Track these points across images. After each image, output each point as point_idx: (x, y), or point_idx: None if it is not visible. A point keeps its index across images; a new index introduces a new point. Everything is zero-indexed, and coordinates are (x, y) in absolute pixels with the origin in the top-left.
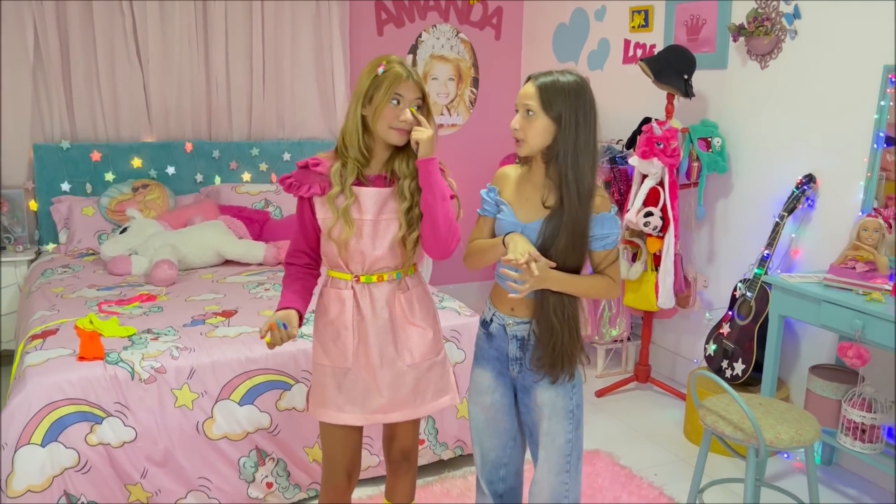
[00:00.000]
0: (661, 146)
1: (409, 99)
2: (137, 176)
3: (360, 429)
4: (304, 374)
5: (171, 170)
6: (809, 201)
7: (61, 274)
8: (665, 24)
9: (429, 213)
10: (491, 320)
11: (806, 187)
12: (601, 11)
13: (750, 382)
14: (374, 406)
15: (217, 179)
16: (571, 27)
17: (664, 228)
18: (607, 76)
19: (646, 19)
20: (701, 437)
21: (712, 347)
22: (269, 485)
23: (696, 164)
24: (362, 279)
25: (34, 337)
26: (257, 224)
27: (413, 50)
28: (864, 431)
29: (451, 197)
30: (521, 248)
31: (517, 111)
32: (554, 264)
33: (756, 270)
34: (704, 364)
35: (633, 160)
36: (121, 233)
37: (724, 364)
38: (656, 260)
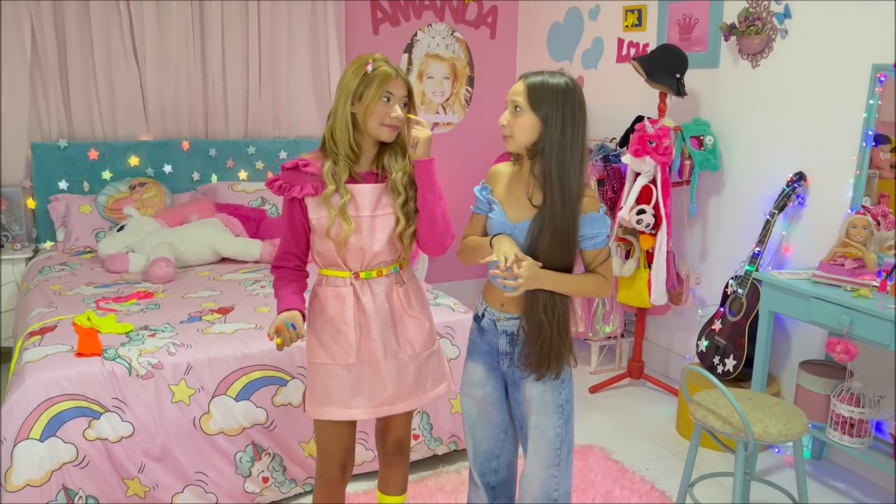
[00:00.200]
0: (654, 144)
1: (398, 96)
2: (134, 174)
3: (354, 423)
4: (300, 371)
5: (167, 168)
6: (800, 199)
7: (59, 271)
8: (658, 23)
9: (427, 212)
10: (483, 315)
11: (796, 185)
12: (595, 11)
13: (741, 378)
14: (380, 399)
15: (214, 178)
16: (566, 26)
17: (657, 226)
18: (601, 75)
19: (639, 18)
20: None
21: (704, 343)
22: (266, 479)
23: (688, 162)
24: (362, 275)
25: (32, 333)
26: (254, 222)
27: (408, 49)
28: (852, 426)
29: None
30: (504, 250)
31: (507, 107)
32: (541, 264)
33: (747, 267)
34: (697, 360)
35: (626, 158)
36: (118, 231)
37: (716, 360)
38: (649, 257)
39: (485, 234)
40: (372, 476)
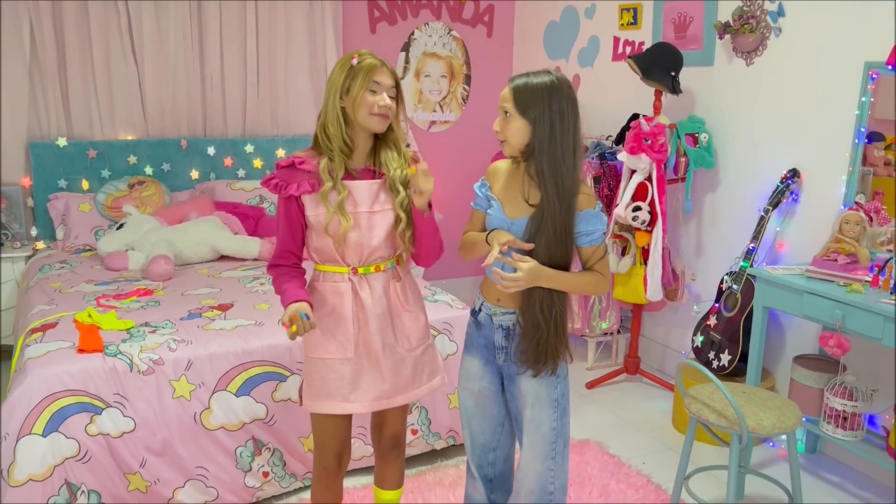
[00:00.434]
0: (649, 142)
1: (385, 85)
2: (133, 173)
3: (350, 416)
4: (300, 366)
5: (166, 167)
6: (794, 195)
7: (59, 269)
8: (653, 21)
9: (424, 242)
10: (479, 309)
11: (790, 181)
12: (591, 9)
13: (736, 373)
14: (378, 392)
15: (212, 176)
16: (562, 25)
17: (652, 223)
18: (597, 73)
19: (634, 17)
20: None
21: (700, 339)
22: (266, 474)
23: (683, 159)
24: (360, 270)
25: (34, 330)
26: (252, 220)
27: (406, 47)
28: (845, 419)
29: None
30: (500, 240)
31: (499, 113)
32: (533, 262)
33: (742, 263)
34: (692, 355)
35: (622, 156)
36: (117, 229)
37: (712, 355)
38: (645, 254)
39: (484, 230)
40: (370, 471)
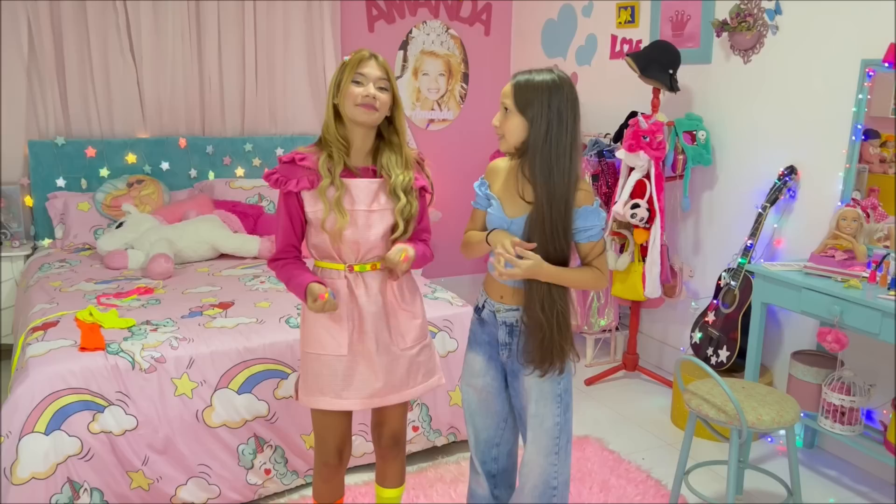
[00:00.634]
0: (648, 139)
1: (371, 77)
2: (132, 171)
3: (349, 412)
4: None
5: (165, 165)
6: (791, 192)
7: (58, 268)
8: (651, 19)
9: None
10: (483, 306)
11: (787, 178)
12: (588, 7)
13: (735, 369)
14: (371, 391)
15: (211, 175)
16: (559, 23)
17: (650, 220)
18: (595, 71)
19: (632, 15)
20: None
21: (698, 335)
22: (268, 471)
23: (681, 156)
24: (356, 268)
25: (35, 329)
26: (251, 218)
27: (404, 46)
28: (843, 414)
29: (424, 188)
30: (503, 242)
31: (500, 108)
32: (537, 256)
33: (740, 260)
34: (690, 352)
35: (620, 153)
36: (117, 227)
37: (710, 351)
38: (643, 251)
39: (484, 227)
40: (371, 468)
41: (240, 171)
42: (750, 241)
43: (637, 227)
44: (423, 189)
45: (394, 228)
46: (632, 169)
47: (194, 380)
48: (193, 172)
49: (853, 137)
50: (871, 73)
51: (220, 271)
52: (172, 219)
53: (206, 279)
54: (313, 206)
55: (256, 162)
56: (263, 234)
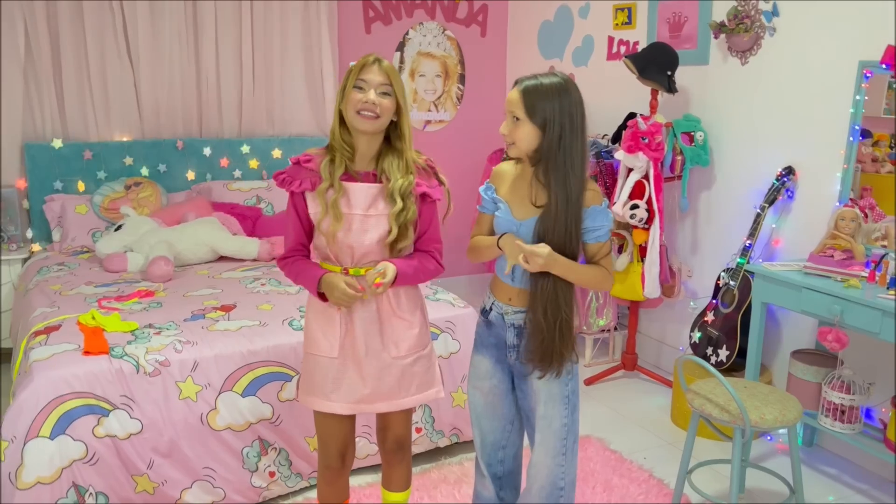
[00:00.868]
0: (646, 140)
1: (373, 83)
2: (129, 174)
3: (352, 415)
4: None
5: (162, 167)
6: (789, 192)
7: (57, 271)
8: (648, 21)
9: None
10: (490, 309)
11: (785, 179)
12: (585, 9)
13: (734, 368)
14: (357, 396)
15: (208, 177)
16: (556, 24)
17: (649, 220)
18: (591, 72)
19: (629, 17)
20: (687, 421)
21: (697, 335)
22: (272, 474)
23: (679, 157)
24: (351, 272)
25: (37, 333)
26: (250, 220)
27: (400, 47)
28: (843, 413)
29: (437, 200)
30: (515, 254)
31: (506, 116)
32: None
33: (738, 260)
34: (690, 351)
35: (619, 154)
36: (115, 230)
37: (709, 351)
38: (642, 251)
39: (491, 232)
40: (377, 469)
41: (237, 173)
42: (749, 241)
43: (636, 227)
44: (424, 195)
45: (388, 234)
46: (630, 170)
47: (199, 383)
48: (191, 174)
49: (851, 138)
50: (868, 75)
51: (220, 274)
52: (171, 221)
53: (207, 282)
54: (313, 208)
55: (254, 164)
56: (262, 236)
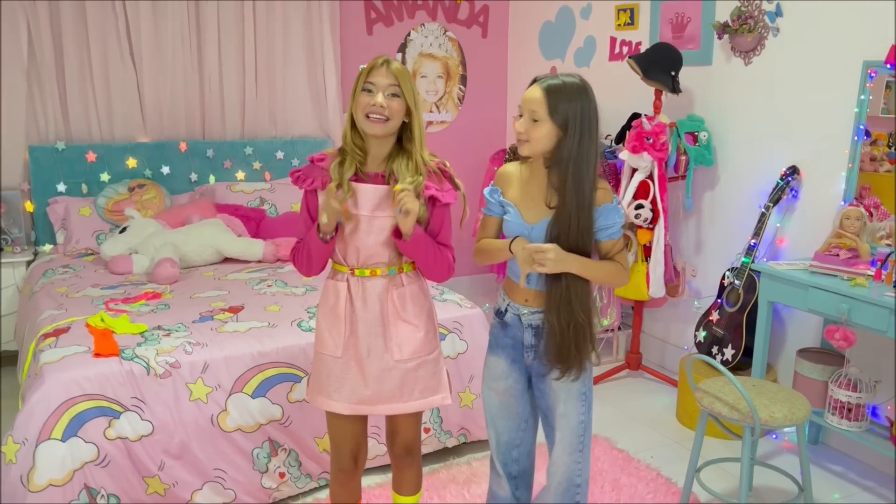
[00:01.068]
0: (651, 141)
1: (381, 86)
2: (132, 176)
3: (364, 416)
4: None
5: (165, 169)
6: (793, 192)
7: (62, 274)
8: (650, 21)
9: (420, 266)
10: (506, 310)
11: (790, 178)
12: (587, 10)
13: (739, 367)
14: (358, 397)
15: (211, 178)
16: (557, 25)
17: (654, 220)
18: (594, 73)
19: (631, 17)
20: (692, 420)
21: (702, 334)
22: (282, 475)
23: (683, 157)
24: (356, 272)
25: (46, 335)
26: (254, 222)
27: (402, 48)
28: (849, 410)
29: (434, 198)
30: (527, 260)
31: (521, 114)
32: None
33: (743, 259)
34: (695, 350)
35: (624, 154)
36: (120, 232)
37: (715, 350)
38: (646, 251)
39: (497, 234)
40: (385, 469)
41: (240, 175)
42: (753, 241)
43: (641, 227)
44: (434, 199)
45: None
46: (635, 170)
47: (209, 384)
48: (194, 176)
49: (855, 138)
50: (872, 75)
51: (225, 275)
52: (175, 223)
53: (213, 283)
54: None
55: (257, 165)
56: (266, 238)
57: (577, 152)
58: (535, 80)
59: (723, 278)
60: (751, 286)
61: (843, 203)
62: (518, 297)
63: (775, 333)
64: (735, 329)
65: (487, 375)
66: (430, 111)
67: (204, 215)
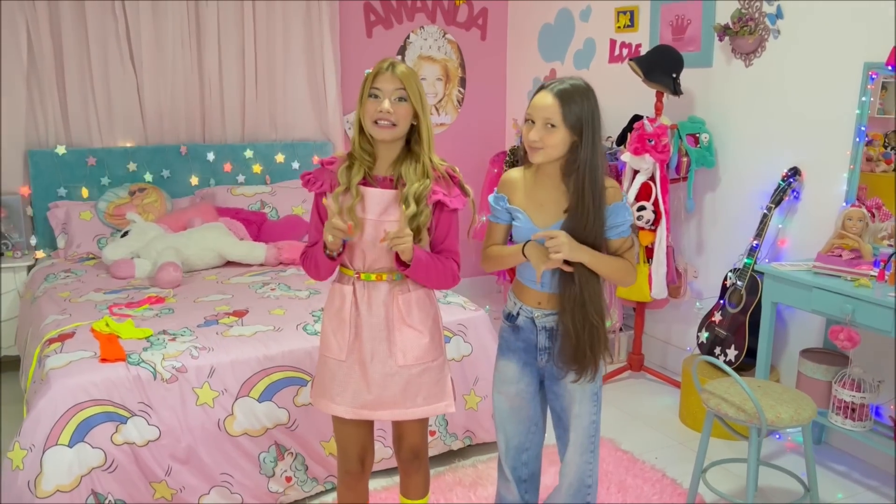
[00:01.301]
0: (653, 143)
1: (388, 91)
2: (133, 180)
3: (370, 420)
4: None
5: (166, 173)
6: (795, 193)
7: (64, 279)
8: (651, 24)
9: (422, 283)
10: (517, 314)
11: (791, 180)
12: (586, 12)
13: (742, 367)
14: (360, 401)
15: (212, 182)
16: (556, 27)
17: (656, 222)
18: (593, 75)
19: (631, 19)
20: (695, 421)
21: (705, 335)
22: (289, 479)
23: (685, 159)
24: (363, 277)
25: (51, 341)
26: (255, 225)
27: (401, 51)
28: (853, 410)
29: (441, 203)
30: (540, 258)
31: (531, 122)
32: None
33: (746, 260)
34: (697, 351)
35: (626, 156)
36: (122, 236)
37: (717, 351)
38: (648, 252)
39: (505, 242)
40: (391, 472)
41: (241, 178)
42: (756, 242)
43: (642, 228)
44: (441, 204)
45: None
46: (636, 172)
47: (215, 389)
48: (195, 180)
49: (857, 139)
50: (873, 76)
51: (228, 279)
52: (177, 227)
53: (216, 287)
54: (330, 211)
55: (257, 168)
56: (267, 241)
57: (591, 155)
58: (542, 87)
59: (725, 279)
60: (753, 287)
61: (844, 204)
62: (530, 300)
63: (777, 334)
64: (737, 330)
65: (498, 380)
66: (430, 114)
67: (205, 219)
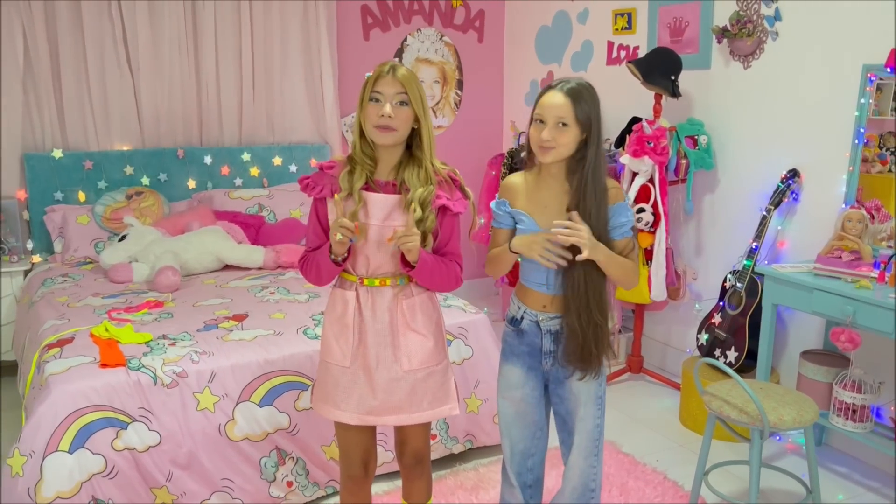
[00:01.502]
0: (652, 145)
1: (388, 94)
2: (130, 183)
3: (373, 426)
4: None
5: (163, 177)
6: (794, 195)
7: (62, 283)
8: (648, 26)
9: (426, 285)
10: (522, 318)
11: (790, 181)
12: (584, 14)
13: (742, 369)
14: (366, 407)
15: (209, 185)
16: (554, 29)
17: (655, 224)
18: (591, 77)
19: (629, 22)
20: (696, 423)
21: (704, 337)
22: (290, 483)
23: (683, 161)
24: (366, 282)
25: (50, 346)
26: (253, 229)
27: (399, 53)
28: (854, 412)
29: (445, 207)
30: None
31: (541, 122)
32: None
33: (745, 262)
34: (696, 353)
35: (625, 159)
36: (119, 240)
37: (717, 353)
38: (648, 254)
39: None
40: (393, 476)
41: (238, 182)
42: (755, 244)
43: (642, 230)
44: (444, 208)
45: None
46: (635, 174)
47: (216, 394)
48: (192, 183)
49: (856, 141)
50: (872, 78)
51: (227, 283)
52: (174, 230)
53: (215, 291)
54: (333, 216)
55: (254, 172)
56: (265, 244)
57: (597, 153)
58: (548, 87)
59: (724, 281)
60: (753, 289)
61: (844, 205)
62: (535, 303)
63: (777, 336)
64: (737, 332)
65: (503, 385)
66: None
67: (203, 223)
